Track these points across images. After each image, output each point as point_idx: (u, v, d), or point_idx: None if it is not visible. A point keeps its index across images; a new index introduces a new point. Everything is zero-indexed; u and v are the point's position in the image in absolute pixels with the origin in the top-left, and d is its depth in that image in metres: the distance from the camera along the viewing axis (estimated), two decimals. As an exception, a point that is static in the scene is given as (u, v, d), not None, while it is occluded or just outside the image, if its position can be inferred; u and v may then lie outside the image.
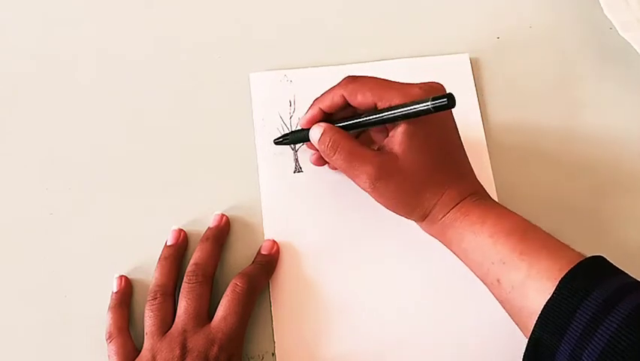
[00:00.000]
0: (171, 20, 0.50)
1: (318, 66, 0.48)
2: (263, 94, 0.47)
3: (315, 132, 0.39)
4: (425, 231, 0.41)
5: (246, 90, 0.47)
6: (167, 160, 0.45)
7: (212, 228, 0.42)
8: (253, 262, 0.42)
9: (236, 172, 0.45)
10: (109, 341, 0.39)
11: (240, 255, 0.43)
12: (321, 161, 0.43)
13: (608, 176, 0.46)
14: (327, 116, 0.40)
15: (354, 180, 0.39)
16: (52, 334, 0.40)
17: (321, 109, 0.40)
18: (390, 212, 0.39)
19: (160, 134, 0.46)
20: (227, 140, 0.46)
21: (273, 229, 0.43)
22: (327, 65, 0.48)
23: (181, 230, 0.43)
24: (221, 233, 0.42)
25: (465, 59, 0.49)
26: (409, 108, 0.35)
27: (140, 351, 0.38)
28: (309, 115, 0.41)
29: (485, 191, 0.40)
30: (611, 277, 0.32)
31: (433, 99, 0.34)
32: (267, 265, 0.42)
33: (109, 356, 0.38)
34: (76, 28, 0.50)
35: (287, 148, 0.46)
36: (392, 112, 0.36)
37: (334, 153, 0.38)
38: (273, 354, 0.40)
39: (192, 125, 0.46)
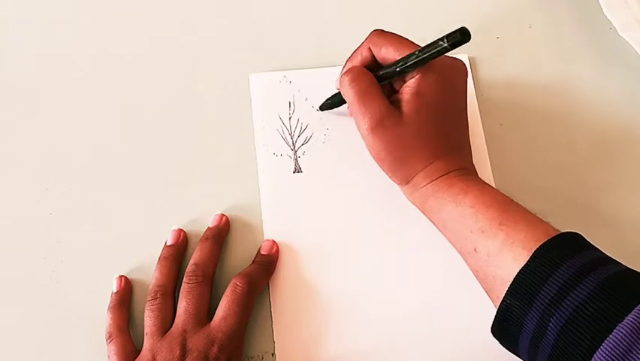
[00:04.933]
0: (171, 20, 0.50)
1: (317, 67, 0.48)
2: (262, 95, 0.47)
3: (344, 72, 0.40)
4: (407, 197, 0.41)
5: (245, 91, 0.47)
6: (167, 160, 0.45)
7: (212, 228, 0.42)
8: (253, 262, 0.42)
9: (236, 172, 0.45)
10: (109, 341, 0.39)
11: (240, 255, 0.43)
12: None
13: (608, 176, 0.46)
14: None
15: (357, 118, 0.39)
16: (52, 334, 0.40)
17: (354, 66, 0.40)
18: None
19: (160, 135, 0.46)
20: (227, 140, 0.46)
21: (272, 229, 0.43)
22: (327, 66, 0.48)
23: (181, 230, 0.43)
24: (221, 233, 0.42)
25: (464, 59, 0.49)
26: (427, 51, 0.36)
27: (140, 351, 0.38)
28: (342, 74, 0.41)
29: (474, 169, 0.41)
30: (586, 251, 0.33)
31: (448, 36, 0.34)
32: (266, 265, 0.42)
33: (109, 356, 0.38)
34: (75, 28, 0.50)
35: (287, 148, 0.46)
36: (412, 59, 0.37)
37: (350, 82, 0.39)
38: (273, 354, 0.40)
39: (192, 125, 0.46)
